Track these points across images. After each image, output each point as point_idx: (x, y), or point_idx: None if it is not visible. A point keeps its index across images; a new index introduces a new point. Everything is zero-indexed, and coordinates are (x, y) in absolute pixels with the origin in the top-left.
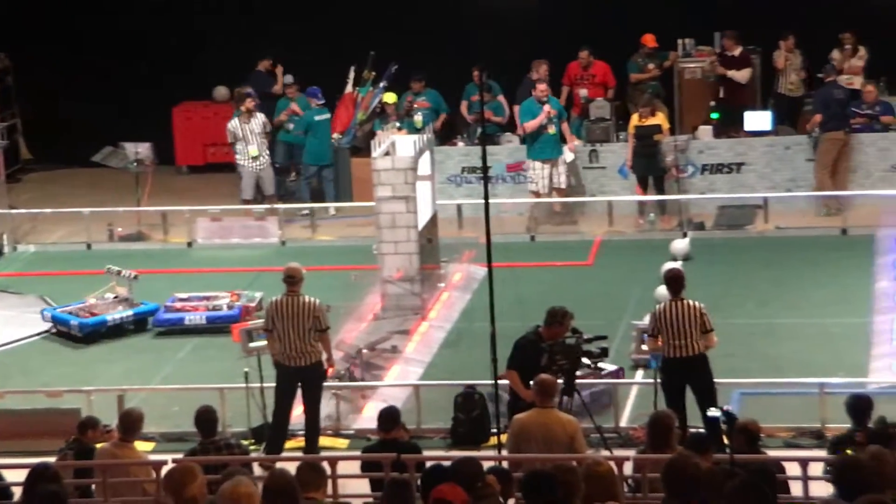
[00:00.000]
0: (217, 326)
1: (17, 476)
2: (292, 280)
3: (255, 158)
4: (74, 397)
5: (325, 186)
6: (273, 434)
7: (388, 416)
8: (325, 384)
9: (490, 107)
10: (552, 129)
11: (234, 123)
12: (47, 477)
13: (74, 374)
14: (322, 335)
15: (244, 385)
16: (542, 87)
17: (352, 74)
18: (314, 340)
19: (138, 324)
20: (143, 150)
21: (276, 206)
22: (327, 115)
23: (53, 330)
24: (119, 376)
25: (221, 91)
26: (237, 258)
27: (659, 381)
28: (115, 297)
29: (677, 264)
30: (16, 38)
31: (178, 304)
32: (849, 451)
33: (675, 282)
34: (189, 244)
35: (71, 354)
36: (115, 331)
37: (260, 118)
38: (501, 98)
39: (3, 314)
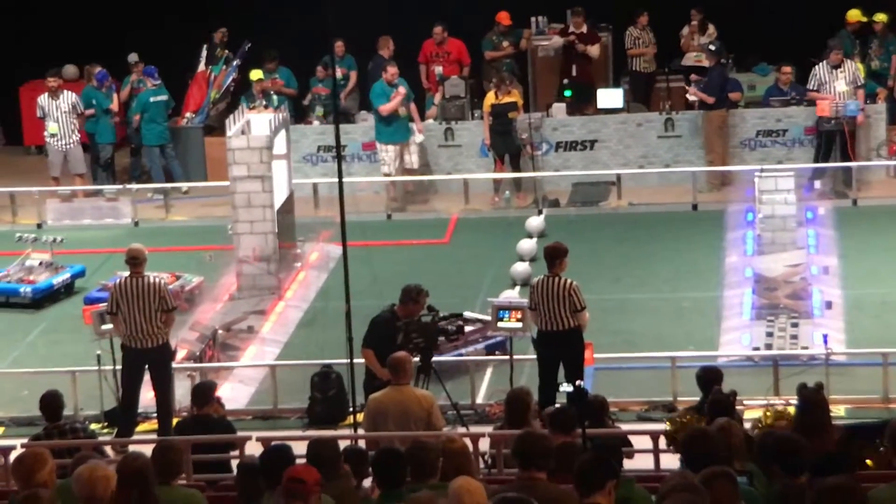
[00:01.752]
0: None
1: None
2: (136, 261)
3: (52, 135)
4: None
5: (171, 166)
6: (123, 417)
7: (201, 392)
8: (180, 365)
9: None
10: (403, 112)
11: (42, 98)
12: None
13: None
14: (168, 315)
15: (96, 368)
16: (392, 70)
17: (204, 52)
18: (160, 322)
19: (67, 287)
20: None
21: (128, 186)
22: (163, 97)
23: None
24: None
25: (70, 69)
26: (89, 239)
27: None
28: (41, 263)
29: (533, 241)
30: None
31: (111, 284)
32: (687, 417)
33: (548, 256)
34: (39, 225)
35: None
36: (56, 295)
37: (69, 97)
38: (353, 74)
39: None
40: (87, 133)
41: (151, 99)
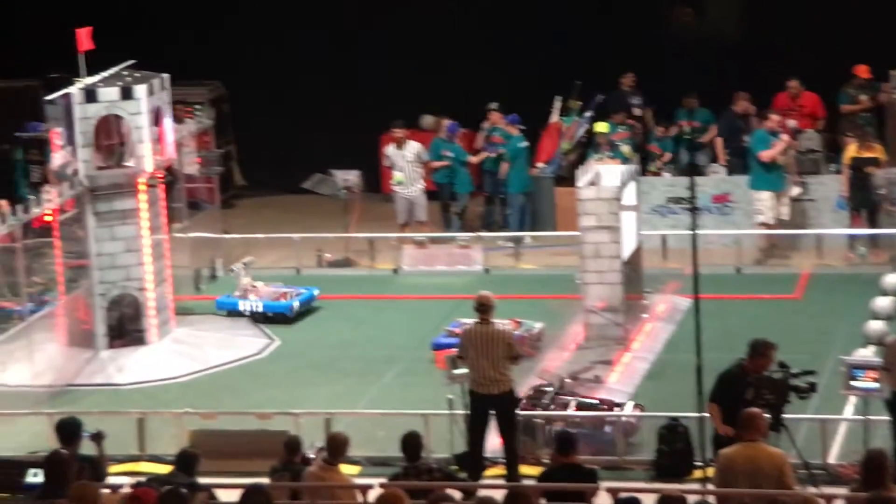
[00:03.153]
0: None
1: (230, 496)
2: (484, 308)
3: (399, 184)
4: (283, 420)
5: (525, 216)
6: (470, 462)
7: (567, 441)
8: (528, 413)
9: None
10: (782, 160)
11: (390, 149)
12: (260, 497)
13: (282, 397)
14: (513, 363)
15: (448, 412)
16: (775, 117)
17: (557, 104)
18: (505, 369)
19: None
20: (351, 177)
21: (480, 234)
22: (526, 144)
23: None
24: (325, 400)
25: (428, 119)
26: (442, 285)
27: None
28: (266, 285)
29: (888, 299)
30: (231, 66)
31: (460, 330)
32: None
33: None
34: (395, 270)
35: (279, 378)
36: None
37: (413, 147)
38: (713, 128)
39: (214, 336)
40: (434, 182)
41: (520, 145)
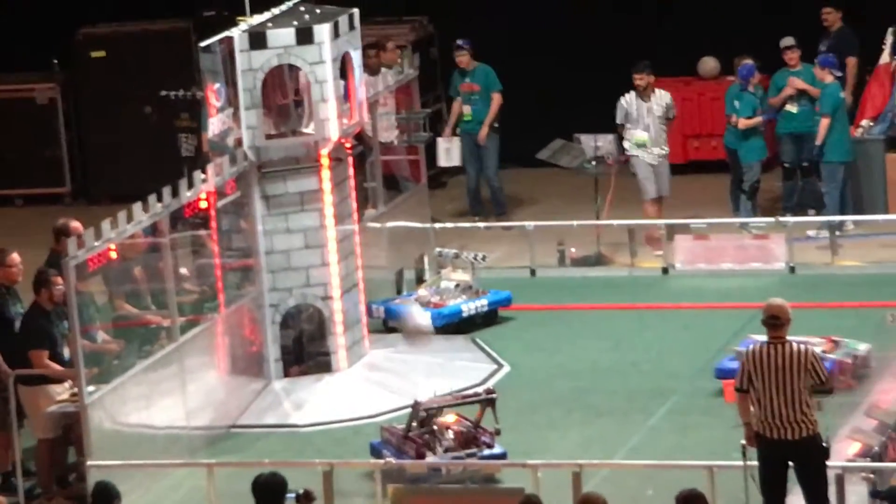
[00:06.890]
0: None
1: None
2: (776, 322)
3: (640, 146)
4: (516, 472)
5: (845, 193)
6: None
7: None
8: (852, 464)
9: None
10: None
11: (628, 98)
12: None
13: (518, 442)
14: (822, 396)
15: (740, 462)
16: None
17: (889, 38)
18: (808, 405)
19: (488, 316)
20: (604, 143)
21: (783, 219)
22: (843, 94)
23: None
24: (575, 446)
25: (709, 64)
26: (730, 290)
27: None
28: (458, 285)
29: None
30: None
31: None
32: None
33: None
34: (665, 270)
35: (514, 416)
36: (466, 323)
37: (663, 97)
38: None
39: (422, 360)
40: (725, 147)
41: (837, 96)
